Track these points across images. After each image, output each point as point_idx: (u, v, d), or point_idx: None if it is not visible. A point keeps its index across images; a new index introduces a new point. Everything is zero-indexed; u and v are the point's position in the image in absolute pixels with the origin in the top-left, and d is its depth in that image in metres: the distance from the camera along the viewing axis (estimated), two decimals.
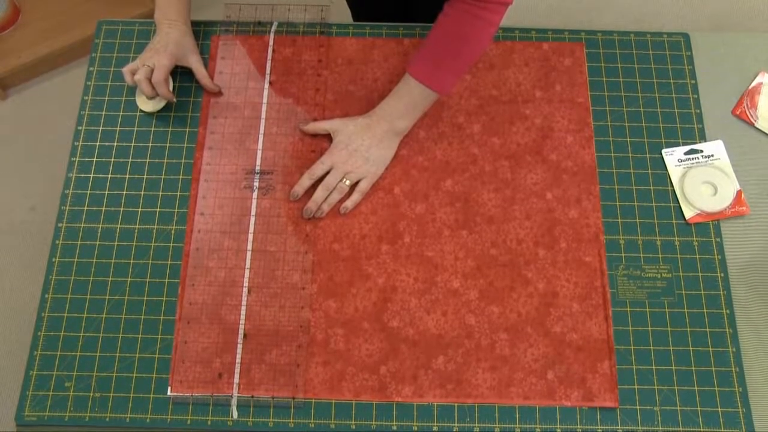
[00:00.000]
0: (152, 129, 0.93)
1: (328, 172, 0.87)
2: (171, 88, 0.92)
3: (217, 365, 0.81)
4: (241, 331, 0.83)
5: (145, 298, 0.85)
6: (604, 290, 0.85)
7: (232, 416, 0.80)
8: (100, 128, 0.94)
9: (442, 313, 0.84)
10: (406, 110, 0.87)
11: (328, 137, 0.91)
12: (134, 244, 0.87)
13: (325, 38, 0.98)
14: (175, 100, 0.93)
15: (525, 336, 0.83)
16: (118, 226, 0.88)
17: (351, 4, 1.29)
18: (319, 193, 0.87)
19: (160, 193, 0.90)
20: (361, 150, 0.87)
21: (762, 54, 0.98)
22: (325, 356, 0.82)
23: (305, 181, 0.87)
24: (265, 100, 0.94)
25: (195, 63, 0.94)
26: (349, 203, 0.87)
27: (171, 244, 0.87)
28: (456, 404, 0.80)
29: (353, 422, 0.79)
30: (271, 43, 0.98)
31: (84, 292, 0.85)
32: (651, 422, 0.79)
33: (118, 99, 0.95)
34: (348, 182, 0.87)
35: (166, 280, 0.85)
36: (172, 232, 0.88)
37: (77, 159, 0.92)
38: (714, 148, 0.92)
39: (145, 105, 0.94)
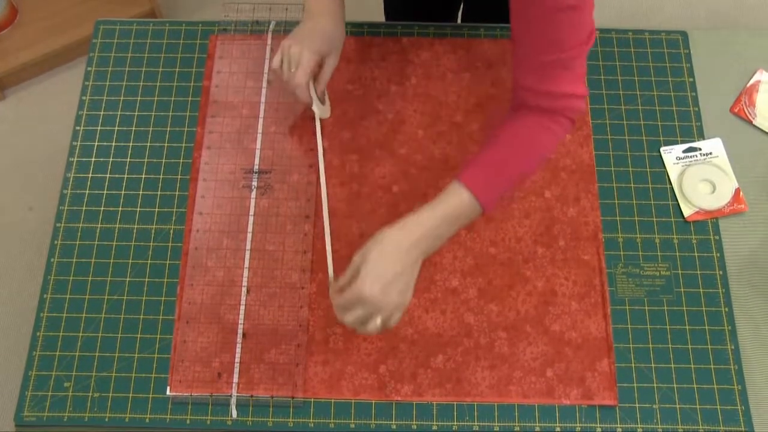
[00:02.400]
0: (150, 129, 0.93)
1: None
2: (322, 92, 0.82)
3: (216, 365, 0.81)
4: (240, 331, 0.83)
5: (143, 297, 0.84)
6: (603, 288, 0.85)
7: (231, 416, 0.80)
8: (98, 128, 0.94)
9: (441, 311, 0.84)
10: (447, 232, 0.72)
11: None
12: (133, 243, 0.87)
13: None
14: (327, 111, 0.81)
15: (524, 334, 0.83)
16: (117, 225, 0.88)
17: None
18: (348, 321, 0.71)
19: (159, 192, 0.90)
20: (395, 281, 0.68)
21: (760, 52, 0.98)
22: (324, 355, 0.82)
23: (336, 308, 0.72)
24: (263, 100, 0.94)
25: (328, 68, 0.82)
26: (371, 329, 0.71)
27: (170, 244, 0.87)
28: (455, 403, 0.80)
29: (352, 421, 0.79)
30: (269, 42, 0.98)
31: (83, 292, 0.85)
32: (650, 420, 0.79)
33: (116, 99, 0.95)
34: (380, 321, 0.69)
35: (165, 279, 0.85)
36: (171, 231, 0.88)
37: (75, 159, 0.92)
38: (712, 145, 0.92)
39: (318, 109, 0.84)
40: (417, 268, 0.71)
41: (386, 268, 0.68)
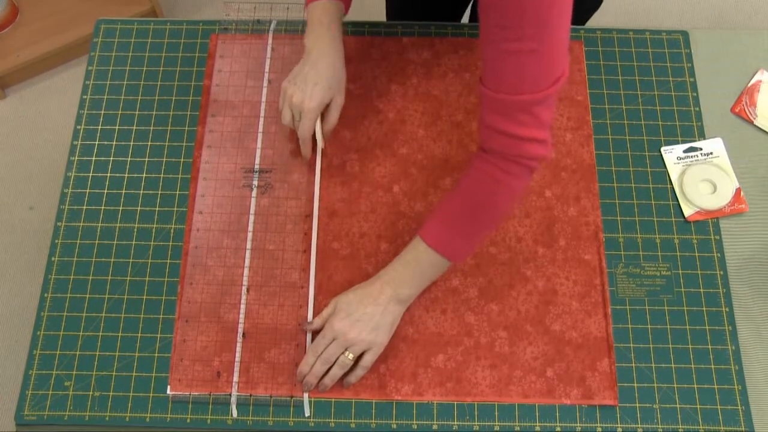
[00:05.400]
0: (151, 128, 0.93)
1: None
2: (322, 134, 0.85)
3: (217, 364, 0.81)
4: (240, 330, 0.83)
5: (144, 297, 0.85)
6: (604, 288, 0.85)
7: (231, 415, 0.80)
8: (99, 127, 0.94)
9: (441, 311, 0.84)
10: (412, 277, 0.78)
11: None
12: (133, 243, 0.87)
13: None
14: (322, 144, 0.87)
15: (524, 334, 0.83)
16: (117, 225, 0.88)
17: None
18: (319, 367, 0.77)
19: (159, 192, 0.90)
20: (365, 319, 0.76)
21: (761, 52, 0.98)
22: None
23: (310, 358, 0.77)
24: (264, 99, 0.94)
25: (335, 109, 0.84)
26: (351, 378, 0.78)
27: (170, 243, 0.87)
28: (455, 402, 0.80)
29: (353, 421, 0.79)
30: (269, 41, 0.98)
31: (83, 291, 0.85)
32: (650, 420, 0.79)
33: (117, 98, 0.95)
34: (351, 356, 0.76)
35: (165, 279, 0.85)
36: (171, 230, 0.88)
37: (76, 158, 0.92)
38: (713, 145, 0.92)
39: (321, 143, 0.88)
40: (391, 312, 0.78)
41: (357, 308, 0.77)
